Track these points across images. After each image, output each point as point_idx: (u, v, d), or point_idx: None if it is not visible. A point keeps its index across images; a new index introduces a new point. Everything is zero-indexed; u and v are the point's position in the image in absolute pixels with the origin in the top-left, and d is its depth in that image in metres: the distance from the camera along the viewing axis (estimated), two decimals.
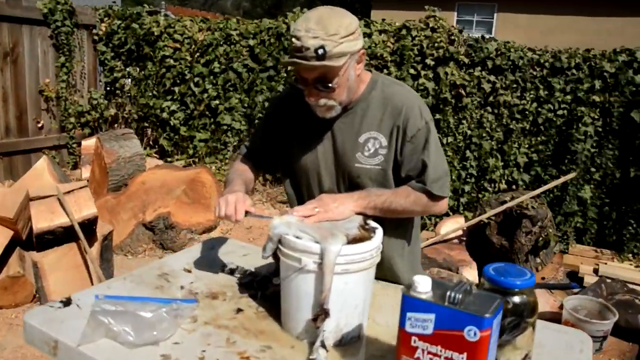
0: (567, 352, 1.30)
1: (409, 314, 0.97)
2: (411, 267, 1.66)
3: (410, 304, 0.97)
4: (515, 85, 4.17)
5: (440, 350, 0.95)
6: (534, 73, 4.11)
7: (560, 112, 3.99)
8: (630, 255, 3.72)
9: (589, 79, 3.91)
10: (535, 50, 4.19)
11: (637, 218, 3.74)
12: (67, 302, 1.31)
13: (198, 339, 1.22)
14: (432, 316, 0.95)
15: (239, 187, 1.46)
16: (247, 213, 1.37)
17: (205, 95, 5.45)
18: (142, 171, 4.42)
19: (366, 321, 1.30)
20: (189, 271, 1.59)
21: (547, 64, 4.07)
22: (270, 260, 1.69)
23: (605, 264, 3.63)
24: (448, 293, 0.95)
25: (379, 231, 1.29)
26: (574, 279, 3.50)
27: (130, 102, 5.82)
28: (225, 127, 5.44)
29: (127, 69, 5.80)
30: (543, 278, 3.35)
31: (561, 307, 2.82)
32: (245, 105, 5.37)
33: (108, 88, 5.92)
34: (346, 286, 1.19)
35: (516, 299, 1.06)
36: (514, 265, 1.15)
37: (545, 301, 2.85)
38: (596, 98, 3.87)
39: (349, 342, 1.25)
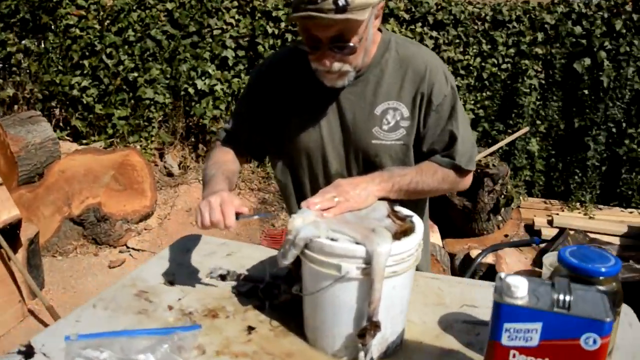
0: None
1: (506, 325, 0.80)
2: (425, 250, 1.50)
3: (508, 313, 0.79)
4: (457, 41, 4.09)
5: None
6: (476, 27, 4.05)
7: (504, 66, 3.98)
8: (577, 204, 3.85)
9: (530, 31, 3.91)
10: (474, 3, 4.12)
11: (582, 167, 3.86)
12: (28, 352, 1.00)
13: None
14: (538, 325, 0.78)
15: (222, 184, 1.19)
16: (238, 215, 1.11)
17: (121, 67, 4.91)
18: (58, 158, 3.91)
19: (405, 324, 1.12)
20: (171, 283, 1.32)
21: (488, 18, 4.02)
22: (262, 257, 1.47)
23: (557, 214, 3.72)
24: (556, 296, 0.78)
25: (417, 219, 1.10)
26: (531, 232, 3.56)
27: (31, 79, 5.12)
28: (147, 102, 4.95)
29: (23, 42, 5.08)
30: (506, 235, 3.37)
31: (533, 264, 2.83)
32: (168, 76, 4.91)
33: (1, 65, 5.17)
34: (394, 291, 1.00)
35: (603, 288, 0.92)
36: (590, 248, 1.00)
37: (517, 260, 2.85)
38: (539, 50, 3.89)
39: (394, 351, 1.07)
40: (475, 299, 1.30)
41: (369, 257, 0.94)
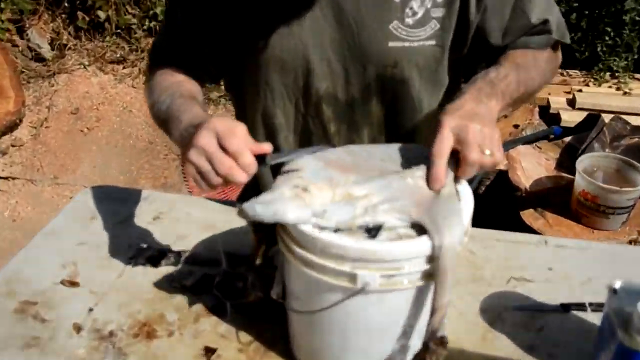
0: None
1: None
2: None
3: None
4: None
5: None
6: None
7: None
8: (607, 74, 3.79)
9: None
10: None
11: (615, 24, 3.75)
12: None
13: None
14: None
15: (196, 108, 1.00)
16: (261, 158, 0.86)
17: None
18: None
19: None
20: (74, 283, 1.14)
21: None
22: (210, 220, 1.29)
23: (580, 91, 3.67)
24: None
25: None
26: (547, 119, 3.51)
27: None
28: None
29: None
30: (516, 126, 3.31)
31: (557, 166, 2.79)
32: None
33: None
34: None
35: None
36: None
37: (537, 162, 2.79)
38: None
39: None
40: (525, 265, 1.22)
41: (436, 252, 0.79)
